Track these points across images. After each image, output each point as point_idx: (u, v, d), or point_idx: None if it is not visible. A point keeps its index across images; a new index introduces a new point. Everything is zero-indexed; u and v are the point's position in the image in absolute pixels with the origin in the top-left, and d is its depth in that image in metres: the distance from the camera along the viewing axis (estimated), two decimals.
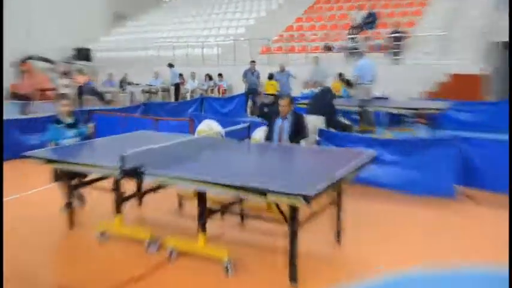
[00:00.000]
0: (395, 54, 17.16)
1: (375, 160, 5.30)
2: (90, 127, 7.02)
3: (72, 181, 5.90)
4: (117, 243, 5.30)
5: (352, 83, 14.08)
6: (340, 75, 14.00)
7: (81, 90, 18.28)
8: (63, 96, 6.76)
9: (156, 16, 29.03)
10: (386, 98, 12.65)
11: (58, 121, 6.50)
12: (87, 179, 6.14)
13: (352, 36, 18.77)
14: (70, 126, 6.51)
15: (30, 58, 23.02)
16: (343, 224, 5.29)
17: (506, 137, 7.20)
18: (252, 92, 16.38)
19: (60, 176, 6.03)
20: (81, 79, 18.65)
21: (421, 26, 18.37)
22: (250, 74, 16.45)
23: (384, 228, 5.71)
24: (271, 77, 16.12)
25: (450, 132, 9.27)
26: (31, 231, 5.76)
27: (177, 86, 19.70)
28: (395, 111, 11.14)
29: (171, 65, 19.91)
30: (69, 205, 6.27)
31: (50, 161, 5.39)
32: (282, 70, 16.09)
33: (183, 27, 25.52)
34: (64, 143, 6.31)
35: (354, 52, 17.76)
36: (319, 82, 14.66)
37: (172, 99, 19.31)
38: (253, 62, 16.84)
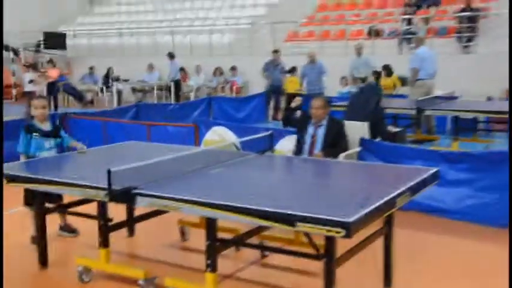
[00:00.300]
0: (467, 40, 17.10)
1: (437, 180, 5.35)
2: (79, 147, 6.69)
3: (45, 205, 6.00)
4: (103, 285, 5.43)
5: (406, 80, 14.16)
6: (386, 68, 14.05)
7: (53, 88, 18.51)
8: (31, 95, 6.66)
9: None
10: (454, 98, 12.67)
11: (32, 128, 6.47)
12: (65, 202, 6.32)
13: (408, 16, 18.80)
14: (48, 134, 6.53)
15: None
16: (395, 264, 5.35)
17: None
18: (276, 90, 16.45)
19: (33, 199, 6.11)
20: (52, 73, 18.91)
21: (502, 2, 18.27)
22: (273, 67, 16.52)
23: (447, 269, 5.74)
24: (292, 70, 16.16)
25: None
26: None
27: (178, 83, 19.88)
28: (465, 115, 11.13)
29: (171, 56, 20.06)
30: (39, 237, 6.47)
31: (12, 180, 5.49)
32: (312, 61, 16.14)
33: (185, 7, 25.72)
34: (40, 157, 6.40)
35: (409, 38, 17.82)
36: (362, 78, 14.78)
37: (172, 100, 19.47)
38: (277, 51, 16.92)
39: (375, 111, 9.08)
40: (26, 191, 6.12)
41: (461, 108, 11.11)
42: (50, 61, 20.31)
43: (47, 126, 6.59)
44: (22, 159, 6.41)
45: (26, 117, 6.78)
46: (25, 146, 6.42)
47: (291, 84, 15.93)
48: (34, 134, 6.44)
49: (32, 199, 6.16)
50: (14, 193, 6.47)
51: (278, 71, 16.51)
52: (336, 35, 19.82)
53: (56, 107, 18.06)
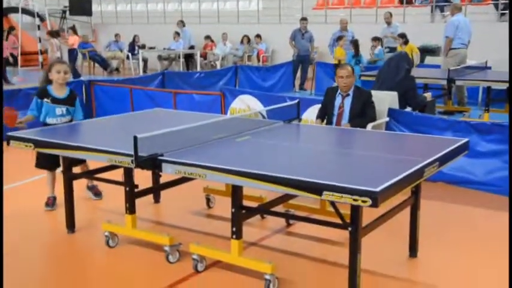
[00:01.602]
0: (504, 7, 16.83)
1: (467, 151, 5.34)
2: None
3: (70, 170, 6.06)
4: (129, 250, 5.54)
5: (432, 49, 14.04)
6: (402, 36, 13.89)
7: (72, 54, 18.58)
8: (57, 62, 6.63)
9: None
10: (488, 68, 12.55)
11: (44, 93, 6.47)
12: (92, 168, 6.44)
13: None
14: (60, 101, 6.50)
15: (11, 11, 23.55)
16: (421, 234, 5.38)
17: None
18: (303, 59, 16.40)
19: (45, 162, 6.30)
20: (73, 40, 18.96)
21: None
22: (301, 35, 16.45)
23: (473, 241, 5.76)
24: (339, 38, 15.83)
25: None
26: (20, 235, 6.02)
27: (188, 56, 20.02)
28: (497, 85, 11.04)
29: (182, 23, 20.12)
30: (53, 201, 6.63)
31: (41, 145, 5.51)
32: (344, 29, 16.02)
33: None
34: (50, 122, 6.42)
35: (443, 5, 17.59)
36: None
37: (198, 68, 19.48)
38: (305, 19, 16.82)
39: (405, 80, 9.03)
40: (39, 154, 6.20)
41: (494, 78, 11.01)
42: (72, 28, 20.35)
43: (62, 94, 6.55)
44: (27, 118, 6.41)
45: (41, 81, 6.65)
46: (35, 110, 6.45)
47: (339, 53, 15.48)
48: (45, 99, 6.45)
49: (45, 163, 6.30)
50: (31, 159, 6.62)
51: (306, 40, 16.42)
52: (366, 2, 19.64)
53: (74, 74, 18.12)
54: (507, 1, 16.75)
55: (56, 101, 6.47)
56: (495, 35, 15.03)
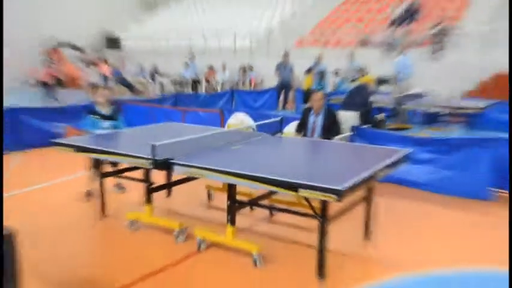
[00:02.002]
0: (437, 50, 16.99)
1: (409, 158, 5.36)
2: None
3: (103, 169, 6.10)
4: (147, 233, 5.52)
5: (384, 80, 14.13)
6: (361, 70, 13.99)
7: (105, 80, 18.63)
8: (96, 85, 6.74)
9: (186, 4, 29.27)
10: (425, 96, 12.62)
11: (94, 111, 6.57)
12: (116, 168, 6.40)
13: (391, 31, 18.66)
14: (106, 117, 6.59)
15: (60, 45, 23.59)
16: (373, 222, 5.41)
17: None
18: (285, 85, 16.40)
19: (97, 163, 6.26)
20: (105, 69, 18.98)
21: (465, 21, 18.13)
22: (283, 67, 16.46)
23: (414, 228, 5.79)
24: (309, 70, 15.88)
25: (489, 132, 9.27)
26: (62, 220, 6.01)
27: (196, 80, 20.13)
28: (433, 109, 11.11)
29: (191, 57, 20.36)
30: (90, 193, 6.59)
31: (80, 150, 5.52)
32: (318, 63, 16.07)
33: (215, 17, 25.70)
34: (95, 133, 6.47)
35: (392, 48, 17.68)
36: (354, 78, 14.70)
37: (203, 91, 19.48)
38: (286, 55, 16.84)
39: (365, 104, 9.12)
40: (91, 159, 6.20)
41: (430, 103, 11.09)
42: (104, 60, 20.37)
43: (106, 111, 6.63)
44: (83, 133, 6.51)
45: (89, 102, 6.77)
46: (89, 125, 6.55)
47: (308, 81, 15.56)
48: (93, 115, 6.55)
49: (96, 164, 6.27)
50: (76, 161, 6.58)
51: (287, 70, 16.44)
52: (334, 43, 19.71)
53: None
54: (439, 46, 16.89)
55: (102, 116, 6.59)
56: (430, 71, 15.16)
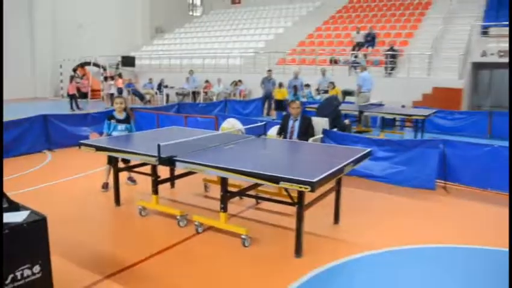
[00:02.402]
0: (391, 68, 17.11)
1: (370, 156, 5.32)
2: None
3: (118, 165, 5.99)
4: (154, 218, 5.42)
5: (350, 92, 14.14)
6: (331, 83, 13.95)
7: (120, 91, 18.53)
8: (112, 96, 6.70)
9: (188, 30, 29.18)
10: (382, 105, 12.62)
11: (111, 116, 6.51)
12: (130, 164, 6.29)
13: (354, 52, 18.72)
14: (121, 121, 6.51)
15: (87, 64, 23.45)
16: (341, 209, 5.35)
17: (475, 140, 7.37)
18: (268, 96, 16.35)
19: (111, 160, 6.20)
20: (118, 82, 18.89)
21: (412, 45, 18.28)
22: (267, 81, 16.40)
23: (375, 213, 5.75)
24: (280, 85, 15.86)
25: (433, 135, 9.32)
26: (84, 208, 5.89)
27: (195, 92, 20.05)
28: (388, 116, 11.12)
29: (191, 72, 20.23)
30: (106, 185, 6.50)
31: (99, 149, 5.43)
32: (296, 77, 16.02)
33: (211, 40, 25.65)
34: (114, 135, 6.39)
35: (356, 66, 17.73)
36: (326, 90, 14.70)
37: (202, 101, 19.37)
38: (270, 70, 16.79)
39: (334, 111, 9.08)
40: (108, 156, 6.11)
41: (386, 111, 11.08)
42: (119, 75, 20.18)
43: (122, 116, 6.56)
44: (104, 135, 6.39)
45: (108, 108, 6.69)
46: (106, 127, 6.47)
47: (279, 94, 15.60)
48: (112, 120, 6.47)
49: (110, 160, 6.21)
50: (96, 158, 6.49)
51: (270, 84, 16.38)
52: (309, 61, 19.70)
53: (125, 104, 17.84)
54: (392, 65, 16.99)
55: (118, 121, 6.51)
56: (386, 85, 15.25)
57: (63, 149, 9.26)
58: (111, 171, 6.10)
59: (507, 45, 15.32)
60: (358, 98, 12.80)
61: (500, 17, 17.78)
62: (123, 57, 23.81)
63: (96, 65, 23.52)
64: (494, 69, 18.75)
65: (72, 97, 17.80)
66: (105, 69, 23.29)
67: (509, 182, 6.12)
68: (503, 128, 11.59)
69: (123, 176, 6.59)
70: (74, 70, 23.01)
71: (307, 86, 16.47)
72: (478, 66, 17.18)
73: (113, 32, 26.37)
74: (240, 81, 20.07)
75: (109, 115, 6.57)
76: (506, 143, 6.59)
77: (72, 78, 19.48)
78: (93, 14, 25.29)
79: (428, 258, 4.41)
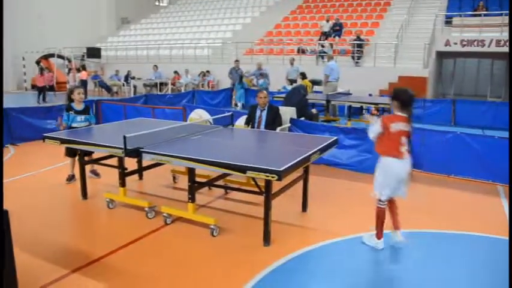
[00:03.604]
0: (357, 58, 17.32)
1: (337, 144, 5.39)
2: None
3: (83, 158, 5.86)
4: (121, 211, 5.35)
5: (318, 81, 14.24)
6: (302, 74, 14.08)
7: (84, 83, 18.09)
8: (75, 87, 6.53)
9: (155, 20, 28.70)
10: (349, 94, 12.79)
11: (69, 107, 6.38)
12: (97, 157, 6.17)
13: (321, 42, 18.85)
14: (80, 112, 6.40)
15: (51, 56, 22.78)
16: (309, 197, 5.41)
17: (440, 128, 7.55)
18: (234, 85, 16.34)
19: (69, 152, 6.19)
20: (83, 74, 18.45)
21: (378, 35, 18.55)
22: (235, 71, 16.35)
23: (343, 201, 5.84)
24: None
25: None
26: (49, 201, 5.76)
27: (161, 83, 20.05)
28: (355, 104, 11.27)
29: (156, 66, 20.21)
30: (71, 177, 6.45)
31: (64, 142, 5.32)
32: (259, 68, 15.99)
33: (179, 31, 25.33)
34: (75, 126, 6.28)
35: (323, 55, 17.87)
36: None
37: (169, 92, 19.16)
38: (237, 61, 16.75)
39: (302, 101, 9.15)
40: (66, 148, 6.02)
41: (353, 100, 11.23)
42: (83, 66, 19.70)
43: (80, 107, 6.45)
44: (62, 127, 6.30)
45: (66, 99, 6.53)
46: (65, 119, 6.36)
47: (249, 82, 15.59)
48: (70, 111, 6.36)
49: (69, 153, 6.22)
50: (62, 151, 6.37)
51: (238, 74, 16.32)
52: (277, 51, 19.72)
53: (85, 95, 17.38)
54: (359, 55, 17.20)
55: (77, 112, 6.39)
56: (353, 74, 15.45)
57: (28, 143, 9.01)
58: (76, 163, 5.99)
59: (469, 34, 15.74)
60: (326, 87, 12.92)
61: (463, 7, 18.27)
62: (89, 49, 23.25)
63: (60, 56, 22.88)
64: (457, 58, 19.31)
65: (41, 90, 17.31)
66: (70, 61, 22.73)
67: (509, 175, 6.13)
68: (466, 115, 11.99)
69: (86, 169, 6.47)
70: (38, 62, 22.32)
71: (261, 75, 16.25)
72: (442, 55, 17.61)
73: (77, 23, 25.67)
74: (208, 71, 19.94)
75: (67, 106, 6.42)
76: (468, 130, 6.79)
77: (42, 70, 18.92)
78: (54, 4, 24.55)
79: (393, 244, 4.53)
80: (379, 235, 4.39)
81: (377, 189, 4.33)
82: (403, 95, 4.18)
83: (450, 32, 16.58)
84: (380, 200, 4.35)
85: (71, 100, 6.44)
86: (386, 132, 4.17)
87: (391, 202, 4.48)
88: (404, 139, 4.21)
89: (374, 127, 4.24)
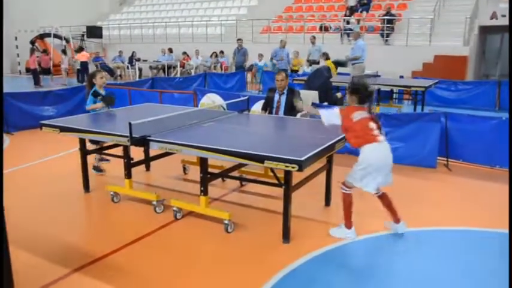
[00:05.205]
0: (387, 35, 17.10)
1: None
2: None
3: (85, 146, 5.91)
4: (127, 204, 5.42)
5: (342, 62, 14.12)
6: (324, 54, 13.98)
7: (85, 65, 18.25)
8: (97, 71, 6.64)
9: None
10: (378, 76, 12.68)
11: (97, 93, 6.48)
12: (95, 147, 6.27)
13: (347, 18, 18.67)
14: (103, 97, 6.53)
15: (47, 35, 22.96)
16: (333, 190, 5.39)
17: (482, 113, 7.42)
18: (238, 68, 16.35)
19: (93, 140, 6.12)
20: (82, 56, 18.59)
21: (411, 9, 18.26)
22: (238, 52, 16.36)
23: (369, 193, 5.79)
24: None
25: (434, 108, 9.40)
26: (50, 194, 5.85)
27: (169, 66, 20.31)
28: (385, 88, 11.18)
29: (170, 50, 20.37)
30: (82, 170, 6.40)
31: (64, 130, 5.35)
32: (283, 47, 15.96)
33: (188, 7, 25.34)
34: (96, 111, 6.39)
35: (348, 33, 17.70)
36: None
37: (178, 75, 19.25)
38: (240, 39, 16.81)
39: (325, 84, 9.11)
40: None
41: (382, 83, 11.15)
42: (80, 48, 19.87)
43: (103, 92, 6.58)
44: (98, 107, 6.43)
45: (87, 84, 6.64)
46: (89, 103, 6.47)
47: None
48: (98, 97, 6.47)
49: (93, 140, 6.15)
50: (61, 140, 6.43)
51: (241, 54, 16.35)
52: (297, 29, 19.61)
53: (83, 79, 17.56)
54: (388, 32, 16.98)
55: (101, 97, 6.52)
56: (382, 54, 15.29)
57: (23, 131, 9.17)
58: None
59: None
60: (353, 69, 12.80)
61: None
62: (89, 28, 23.40)
63: (57, 36, 23.09)
64: (505, 33, 18.60)
65: (34, 72, 17.51)
66: (68, 42, 22.88)
67: (509, 160, 6.20)
68: None
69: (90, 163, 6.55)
70: (32, 43, 22.56)
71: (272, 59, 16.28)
72: (486, 31, 17.12)
73: (75, 0, 25.83)
74: (221, 52, 19.93)
75: (94, 91, 6.50)
76: None
77: (32, 51, 19.14)
78: None
79: (427, 242, 4.50)
80: (348, 224, 4.50)
81: (358, 183, 4.39)
82: (363, 91, 4.34)
83: (497, 2, 16.05)
84: (345, 185, 4.46)
85: (92, 84, 6.56)
86: (351, 124, 4.29)
87: (382, 196, 4.60)
88: (372, 124, 4.32)
89: (330, 115, 4.51)
